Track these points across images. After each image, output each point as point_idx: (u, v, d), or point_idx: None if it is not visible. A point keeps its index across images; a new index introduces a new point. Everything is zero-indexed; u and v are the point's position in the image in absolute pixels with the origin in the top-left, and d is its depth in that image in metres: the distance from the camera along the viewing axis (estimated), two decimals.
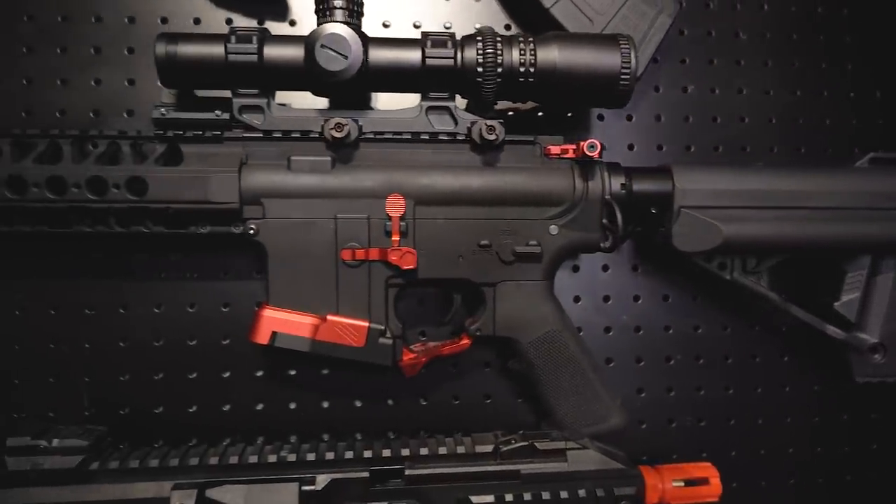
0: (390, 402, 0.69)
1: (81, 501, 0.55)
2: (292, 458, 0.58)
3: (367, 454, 0.59)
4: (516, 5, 0.72)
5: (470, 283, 0.63)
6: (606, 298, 0.72)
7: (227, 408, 0.68)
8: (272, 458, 0.58)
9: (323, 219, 0.60)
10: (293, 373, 0.68)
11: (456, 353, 0.64)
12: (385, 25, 0.71)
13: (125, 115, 0.68)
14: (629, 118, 0.73)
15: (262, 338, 0.60)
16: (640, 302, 0.73)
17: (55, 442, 0.56)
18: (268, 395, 0.68)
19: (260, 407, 0.68)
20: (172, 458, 0.57)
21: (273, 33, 0.60)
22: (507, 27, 0.72)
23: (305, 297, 0.60)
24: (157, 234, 0.60)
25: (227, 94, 0.61)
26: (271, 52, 0.57)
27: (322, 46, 0.56)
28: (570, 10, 0.67)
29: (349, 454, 0.59)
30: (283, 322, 0.60)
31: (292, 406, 0.68)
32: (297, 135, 0.60)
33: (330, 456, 0.58)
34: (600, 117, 0.73)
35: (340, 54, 0.56)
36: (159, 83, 0.60)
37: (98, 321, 0.66)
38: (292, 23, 0.70)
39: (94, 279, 0.66)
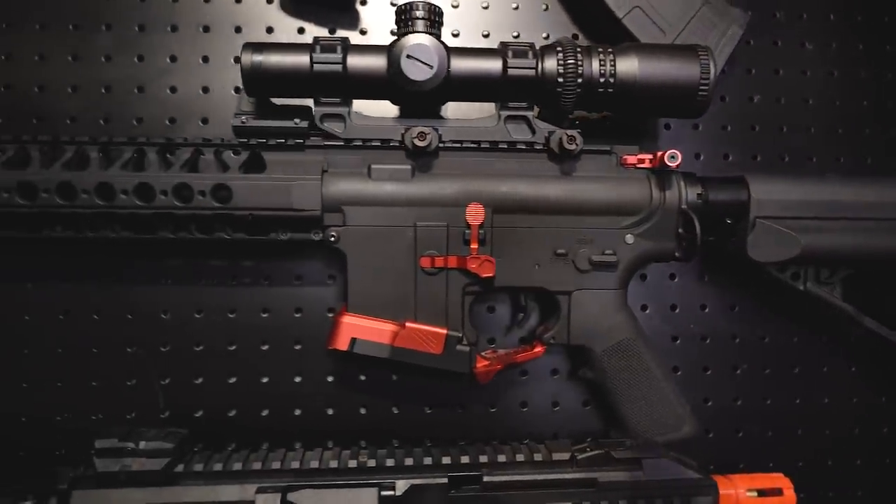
0: (460, 409, 0.70)
1: (168, 503, 0.57)
2: (372, 463, 0.59)
3: (446, 460, 0.59)
4: (585, 15, 0.72)
5: (545, 292, 0.63)
6: (673, 307, 0.72)
7: (298, 412, 0.69)
8: (352, 464, 0.59)
9: (403, 226, 0.61)
10: (363, 378, 0.69)
11: (529, 360, 0.65)
12: (454, 35, 0.72)
13: (200, 123, 0.69)
14: (696, 127, 0.73)
15: (342, 344, 0.60)
16: (706, 311, 0.73)
17: (142, 444, 0.57)
18: (339, 400, 0.69)
19: (331, 412, 0.68)
20: (254, 461, 0.58)
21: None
22: (575, 36, 0.72)
23: (383, 304, 0.61)
24: (235, 241, 0.61)
25: (305, 102, 0.63)
26: (354, 61, 0.58)
27: (408, 57, 0.56)
28: (642, 20, 0.67)
29: (428, 460, 0.59)
30: (362, 328, 0.60)
31: (363, 411, 0.69)
32: (378, 143, 0.61)
33: (409, 462, 0.59)
34: (667, 126, 0.73)
35: (426, 64, 0.57)
36: (240, 91, 0.61)
37: (174, 325, 0.67)
38: (363, 32, 0.71)
39: (171, 284, 0.67)
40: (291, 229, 0.61)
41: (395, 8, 0.60)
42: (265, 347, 0.68)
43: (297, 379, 0.68)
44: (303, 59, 0.58)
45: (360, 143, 0.60)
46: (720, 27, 0.68)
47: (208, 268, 0.68)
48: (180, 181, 0.58)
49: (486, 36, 0.72)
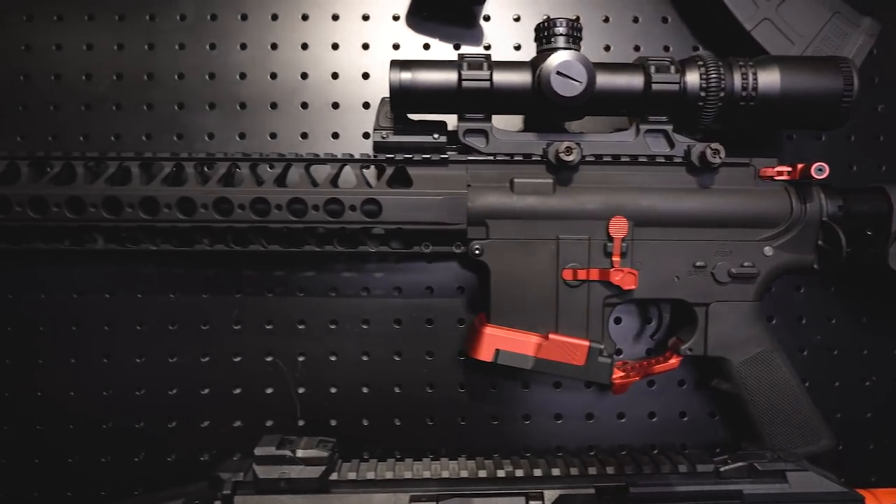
0: (591, 420, 0.70)
1: None
2: (520, 472, 0.60)
3: (592, 471, 0.60)
4: (706, 27, 0.72)
5: (684, 303, 0.64)
6: (800, 318, 0.72)
7: (430, 422, 0.70)
8: (501, 473, 0.60)
9: (545, 240, 0.62)
10: (494, 390, 0.70)
11: (665, 371, 0.65)
12: (517, 46, 0.72)
13: (331, 138, 0.71)
14: (819, 138, 0.73)
15: (486, 355, 0.61)
16: (833, 322, 0.72)
17: (299, 453, 0.59)
18: (470, 410, 0.70)
19: (463, 422, 0.70)
20: (405, 470, 0.60)
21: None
22: (695, 48, 0.73)
23: (526, 316, 0.62)
24: (370, 253, 0.64)
25: (439, 117, 0.64)
26: (501, 77, 0.59)
27: (558, 73, 0.58)
28: (771, 32, 0.67)
29: (574, 470, 0.60)
30: (506, 340, 0.61)
31: (494, 423, 0.70)
32: (520, 158, 0.62)
33: (556, 472, 0.60)
34: (789, 137, 0.73)
35: (576, 81, 0.58)
36: (382, 107, 0.63)
37: (309, 335, 0.69)
38: (487, 47, 0.72)
39: (307, 296, 0.69)
40: (434, 242, 0.62)
41: (536, 24, 0.61)
42: (398, 358, 0.69)
43: (430, 390, 0.69)
44: (451, 77, 0.60)
45: (503, 158, 0.62)
46: (850, 37, 0.68)
47: (341, 279, 0.69)
48: (331, 196, 0.60)
49: (608, 49, 0.72)
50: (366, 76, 0.71)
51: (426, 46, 0.72)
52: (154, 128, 0.70)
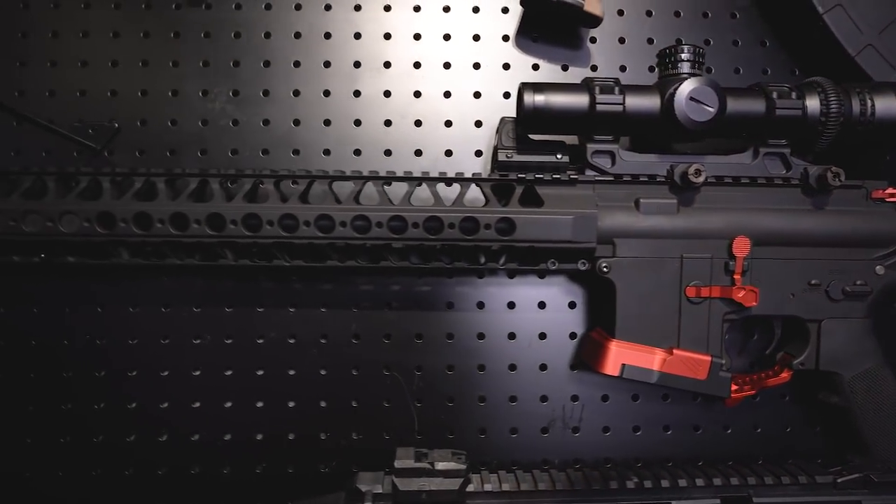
0: (698, 431, 0.72)
1: None
2: (648, 483, 0.62)
3: (717, 481, 0.62)
4: (806, 52, 0.74)
5: (797, 320, 0.66)
6: None
7: (546, 434, 0.71)
8: (630, 484, 0.62)
9: (670, 258, 0.64)
10: (609, 401, 0.72)
11: (776, 385, 0.67)
12: (622, 67, 0.75)
13: (444, 156, 0.72)
14: None
15: (612, 370, 0.63)
16: None
17: (438, 465, 0.60)
18: (582, 421, 0.71)
19: (575, 434, 0.71)
20: (540, 480, 0.61)
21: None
22: (793, 72, 0.76)
23: (649, 331, 0.64)
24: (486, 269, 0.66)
25: (559, 137, 0.66)
26: (632, 101, 0.62)
27: (691, 99, 0.60)
28: (874, 58, 0.70)
29: (700, 481, 0.62)
30: (632, 355, 0.63)
31: (606, 434, 0.71)
32: (645, 178, 0.64)
33: (683, 482, 0.62)
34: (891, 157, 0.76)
35: (708, 106, 0.60)
36: (503, 127, 0.65)
37: (426, 349, 0.71)
38: (594, 68, 0.74)
39: (423, 310, 0.71)
40: (560, 259, 0.64)
41: (658, 50, 0.63)
42: (513, 372, 0.71)
43: (545, 403, 0.71)
44: (583, 100, 0.62)
45: (629, 179, 0.64)
46: None
47: (457, 294, 0.71)
48: (468, 215, 0.62)
49: (709, 71, 0.75)
50: (477, 95, 0.73)
51: (535, 67, 0.74)
52: (271, 143, 0.72)
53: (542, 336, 0.71)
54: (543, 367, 0.71)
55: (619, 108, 0.61)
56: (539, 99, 0.62)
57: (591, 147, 0.64)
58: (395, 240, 0.61)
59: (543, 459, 0.70)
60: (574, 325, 0.71)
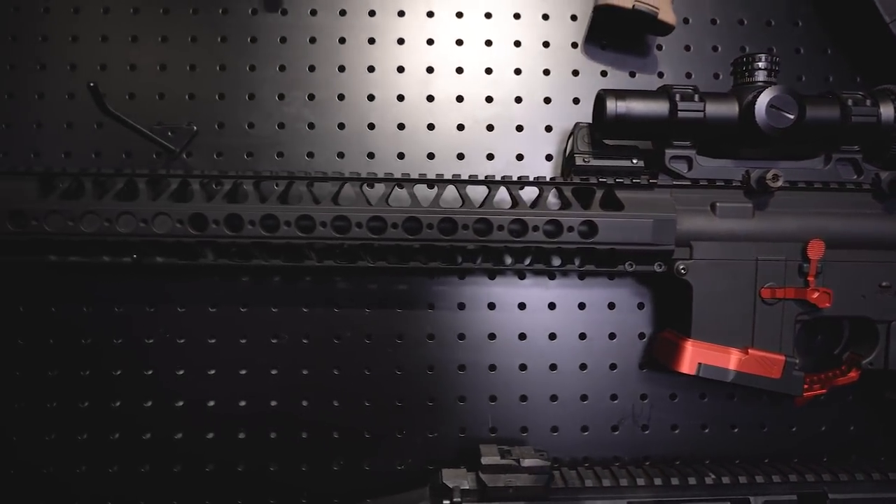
0: (764, 429, 0.74)
1: None
2: (726, 479, 0.64)
3: (793, 478, 0.64)
4: (870, 59, 0.76)
5: (867, 320, 0.68)
6: None
7: (616, 432, 0.73)
8: (709, 480, 0.63)
9: (745, 260, 0.65)
10: (677, 399, 0.73)
11: (845, 384, 0.69)
12: (688, 74, 0.76)
13: (515, 160, 0.74)
14: None
15: (689, 368, 0.65)
16: None
17: (525, 462, 0.62)
18: (652, 419, 0.73)
19: (645, 431, 0.73)
20: (622, 477, 0.63)
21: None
22: (855, 80, 0.77)
23: (725, 332, 0.66)
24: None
25: (632, 142, 0.68)
26: (712, 108, 0.63)
27: (772, 107, 0.62)
28: None
29: (776, 478, 0.64)
30: (708, 354, 0.65)
31: (675, 431, 0.73)
32: (721, 183, 0.66)
33: (760, 479, 0.64)
34: None
35: (787, 113, 0.62)
36: (576, 132, 0.67)
37: (500, 348, 0.72)
38: (660, 75, 0.76)
39: (497, 311, 0.72)
40: (638, 261, 0.66)
41: (735, 58, 0.65)
42: (584, 371, 0.72)
43: (615, 401, 0.73)
44: (663, 107, 0.63)
45: (705, 183, 0.66)
46: None
47: (530, 295, 0.72)
48: (552, 218, 0.63)
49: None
50: (547, 101, 0.74)
51: (603, 73, 0.75)
52: (346, 147, 0.73)
53: (612, 336, 0.73)
54: (613, 367, 0.73)
55: (700, 114, 0.63)
56: (620, 106, 0.63)
57: (669, 152, 0.65)
58: (481, 241, 0.63)
59: (614, 457, 0.72)
60: (642, 326, 0.73)
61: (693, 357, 0.65)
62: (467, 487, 0.61)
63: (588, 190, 0.66)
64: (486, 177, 0.65)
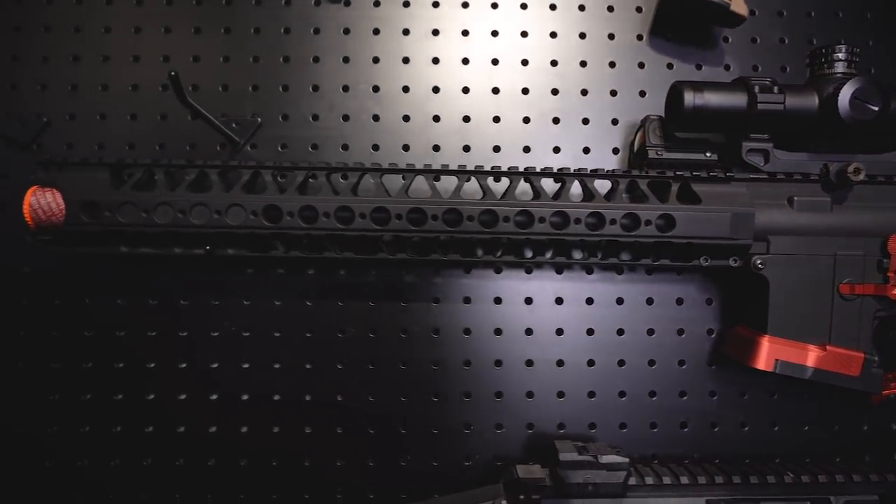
0: (835, 428, 0.73)
1: None
2: (805, 478, 0.63)
3: (874, 478, 0.63)
4: None
5: None
6: None
7: (684, 429, 0.72)
8: (788, 479, 0.62)
9: (823, 255, 0.64)
10: (746, 397, 0.72)
11: None
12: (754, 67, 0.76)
13: (582, 153, 0.73)
14: None
15: (766, 365, 0.64)
16: None
17: (602, 458, 0.61)
18: (721, 417, 0.72)
19: (714, 429, 0.72)
20: (699, 475, 0.62)
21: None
22: None
23: (802, 328, 0.65)
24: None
25: (703, 135, 0.67)
26: (791, 100, 0.62)
27: (855, 98, 0.61)
28: None
29: (857, 478, 0.63)
30: (785, 351, 0.64)
31: (744, 429, 0.72)
32: (799, 177, 0.65)
33: (840, 479, 0.63)
34: None
35: (871, 105, 0.61)
36: (647, 125, 0.66)
37: (568, 343, 0.71)
38: (727, 67, 0.75)
39: (566, 305, 0.71)
40: (713, 256, 0.65)
41: (812, 49, 0.64)
42: (652, 367, 0.72)
43: (683, 398, 0.72)
44: (742, 99, 0.63)
45: (782, 177, 0.65)
46: None
47: (597, 290, 0.72)
48: (630, 212, 0.62)
49: None
50: (613, 93, 0.74)
51: (669, 66, 0.74)
52: (411, 139, 0.73)
53: (680, 332, 0.72)
54: (682, 363, 0.72)
55: (780, 106, 0.62)
56: (699, 98, 0.62)
57: (746, 145, 0.64)
58: (558, 235, 0.62)
59: (682, 454, 0.71)
60: (711, 322, 0.72)
61: (770, 353, 0.64)
62: (545, 483, 0.61)
63: (664, 183, 0.65)
64: (560, 169, 0.65)
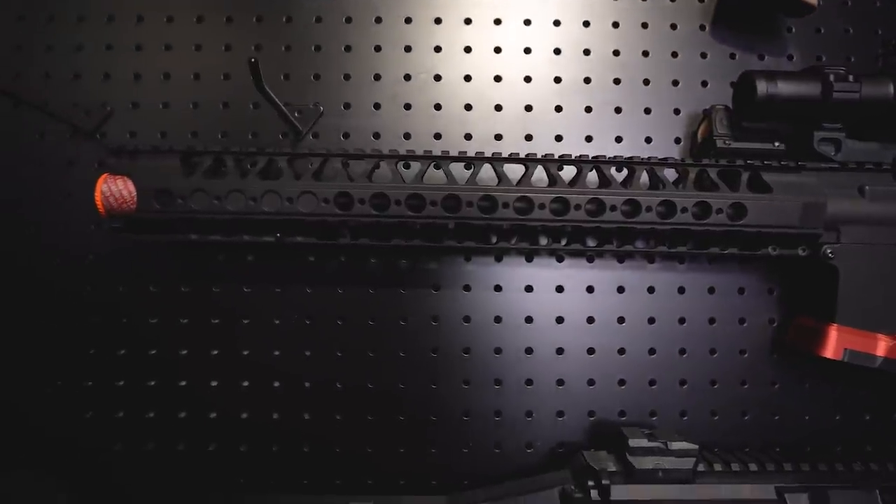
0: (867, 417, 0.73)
1: (700, 500, 0.61)
2: (875, 467, 0.63)
3: None
4: None
5: None
6: None
7: (746, 417, 0.72)
8: (857, 467, 0.62)
9: (894, 245, 0.64)
10: (808, 386, 0.72)
11: None
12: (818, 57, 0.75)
13: (644, 143, 0.73)
14: None
15: (834, 354, 0.64)
16: None
17: (672, 445, 0.61)
18: (783, 407, 0.72)
19: (776, 418, 0.72)
20: (767, 462, 0.63)
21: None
22: None
23: (871, 318, 0.65)
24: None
25: (771, 125, 0.67)
26: (867, 89, 0.62)
27: None
28: None
29: None
30: (854, 340, 0.64)
31: (806, 418, 0.72)
32: (871, 167, 0.65)
33: None
34: None
35: None
36: (714, 114, 0.66)
37: (630, 331, 0.72)
38: (790, 57, 0.74)
39: (622, 294, 0.72)
40: (782, 245, 0.65)
41: (887, 39, 0.64)
42: (714, 356, 0.72)
43: (744, 387, 0.72)
44: (815, 88, 0.62)
45: (853, 167, 0.65)
46: None
47: (658, 279, 0.72)
48: (700, 200, 0.62)
49: None
50: (675, 83, 0.73)
51: (732, 56, 0.74)
52: (473, 128, 0.73)
53: (742, 321, 0.72)
54: (742, 352, 0.72)
55: (856, 95, 0.61)
56: (771, 87, 0.62)
57: (817, 134, 0.64)
58: (628, 224, 0.62)
59: (743, 442, 0.71)
60: (772, 311, 0.72)
61: (839, 343, 0.64)
62: (613, 469, 0.61)
63: (734, 172, 0.65)
64: (629, 158, 0.65)
